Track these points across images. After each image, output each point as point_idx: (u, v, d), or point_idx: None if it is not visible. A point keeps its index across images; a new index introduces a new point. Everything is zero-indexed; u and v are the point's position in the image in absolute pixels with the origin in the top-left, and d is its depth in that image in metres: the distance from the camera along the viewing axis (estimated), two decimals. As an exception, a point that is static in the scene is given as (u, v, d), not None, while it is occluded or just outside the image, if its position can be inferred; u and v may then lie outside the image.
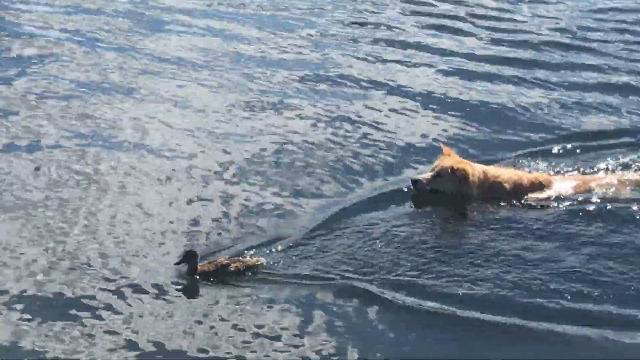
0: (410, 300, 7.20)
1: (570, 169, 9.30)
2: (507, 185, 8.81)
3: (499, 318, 6.98)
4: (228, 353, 6.58)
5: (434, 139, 9.92)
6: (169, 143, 9.70)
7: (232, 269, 7.46)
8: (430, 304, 7.14)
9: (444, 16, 14.93)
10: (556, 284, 7.38)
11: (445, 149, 8.98)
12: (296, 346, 6.68)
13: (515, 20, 14.95)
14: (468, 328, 6.94)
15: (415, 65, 12.47)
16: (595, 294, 7.27)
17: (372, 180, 9.12)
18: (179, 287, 7.36)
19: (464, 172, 8.71)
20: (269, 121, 10.38)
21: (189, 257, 7.46)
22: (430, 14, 14.98)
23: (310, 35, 13.60)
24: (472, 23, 14.63)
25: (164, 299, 7.19)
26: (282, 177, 9.12)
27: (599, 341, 6.76)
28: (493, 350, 6.73)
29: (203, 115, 10.48)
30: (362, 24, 14.29)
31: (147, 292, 7.23)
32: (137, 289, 7.26)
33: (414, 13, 14.99)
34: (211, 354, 6.58)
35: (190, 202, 8.61)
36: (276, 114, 10.58)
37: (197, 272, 7.46)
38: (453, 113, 10.74)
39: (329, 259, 7.72)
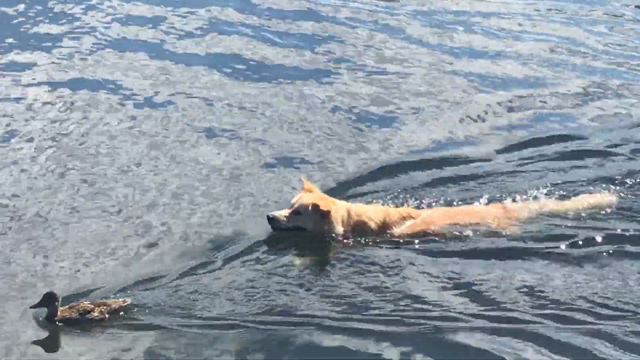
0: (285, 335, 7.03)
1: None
2: (372, 224, 8.53)
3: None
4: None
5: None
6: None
7: (97, 314, 6.93)
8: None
9: None
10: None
11: (306, 184, 8.65)
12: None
13: None
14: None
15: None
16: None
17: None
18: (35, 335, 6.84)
19: (326, 209, 8.38)
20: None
21: (47, 299, 6.86)
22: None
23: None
24: None
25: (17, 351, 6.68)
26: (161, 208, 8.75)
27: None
28: None
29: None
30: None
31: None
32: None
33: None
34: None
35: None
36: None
37: (57, 318, 6.87)
38: None
39: (204, 297, 7.41)
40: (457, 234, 8.52)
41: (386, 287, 7.68)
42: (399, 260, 8.09)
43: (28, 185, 8.94)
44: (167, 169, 9.47)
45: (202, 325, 7.08)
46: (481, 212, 8.75)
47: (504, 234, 8.52)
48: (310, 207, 8.40)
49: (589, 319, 7.26)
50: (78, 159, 9.50)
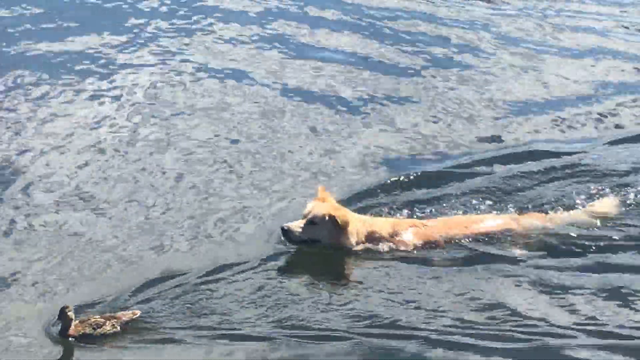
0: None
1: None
2: (384, 235, 8.29)
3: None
4: None
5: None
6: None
7: (109, 328, 6.64)
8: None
9: None
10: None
11: (321, 192, 8.38)
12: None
13: None
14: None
15: None
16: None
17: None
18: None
19: (343, 219, 8.13)
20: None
21: (61, 314, 6.64)
22: None
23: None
24: None
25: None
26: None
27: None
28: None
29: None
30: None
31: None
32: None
33: None
34: None
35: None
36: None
37: (71, 334, 6.57)
38: None
39: (216, 306, 7.23)
40: (465, 243, 8.32)
41: (410, 301, 7.48)
42: (414, 272, 7.92)
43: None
44: (204, 176, 9.38)
45: (221, 335, 6.94)
46: (489, 222, 8.53)
47: (514, 244, 8.32)
48: (327, 217, 8.13)
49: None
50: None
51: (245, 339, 6.88)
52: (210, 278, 7.60)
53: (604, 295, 7.49)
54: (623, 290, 7.54)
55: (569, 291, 7.56)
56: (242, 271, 7.75)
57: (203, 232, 8.36)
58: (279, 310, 7.24)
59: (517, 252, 8.21)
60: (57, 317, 6.65)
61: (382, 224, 8.39)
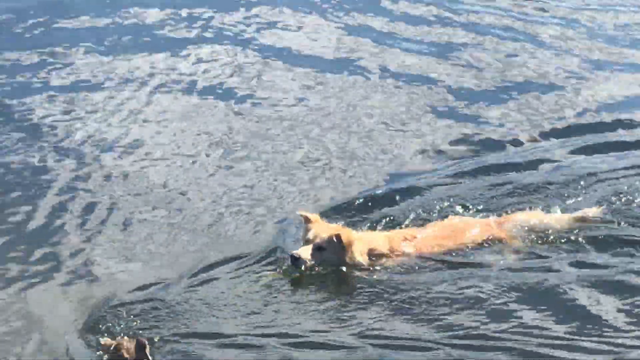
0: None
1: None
2: (383, 251, 8.52)
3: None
4: None
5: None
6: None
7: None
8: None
9: None
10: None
11: (312, 217, 8.51)
12: None
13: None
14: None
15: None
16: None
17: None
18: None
19: (349, 238, 8.32)
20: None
21: (139, 349, 6.66)
22: None
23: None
24: None
25: None
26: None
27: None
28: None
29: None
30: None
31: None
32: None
33: None
34: None
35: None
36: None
37: None
38: None
39: (212, 313, 7.49)
40: (453, 252, 8.56)
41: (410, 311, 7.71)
42: (413, 281, 8.14)
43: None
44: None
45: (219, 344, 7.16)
46: (473, 230, 8.79)
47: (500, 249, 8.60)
48: (334, 238, 8.31)
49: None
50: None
51: (242, 347, 7.08)
52: (204, 283, 7.95)
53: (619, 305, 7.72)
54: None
55: (564, 296, 7.76)
56: (238, 277, 8.09)
57: (207, 235, 8.81)
58: (275, 318, 7.45)
59: (504, 258, 8.50)
60: (135, 352, 6.64)
61: (380, 241, 8.56)
